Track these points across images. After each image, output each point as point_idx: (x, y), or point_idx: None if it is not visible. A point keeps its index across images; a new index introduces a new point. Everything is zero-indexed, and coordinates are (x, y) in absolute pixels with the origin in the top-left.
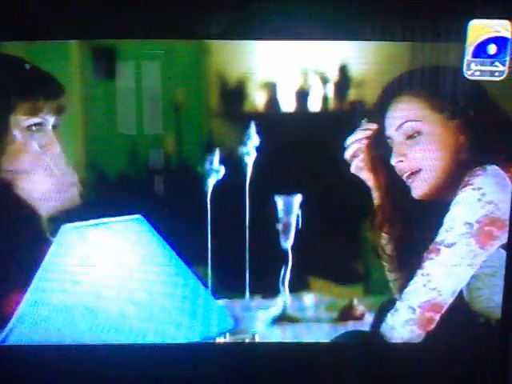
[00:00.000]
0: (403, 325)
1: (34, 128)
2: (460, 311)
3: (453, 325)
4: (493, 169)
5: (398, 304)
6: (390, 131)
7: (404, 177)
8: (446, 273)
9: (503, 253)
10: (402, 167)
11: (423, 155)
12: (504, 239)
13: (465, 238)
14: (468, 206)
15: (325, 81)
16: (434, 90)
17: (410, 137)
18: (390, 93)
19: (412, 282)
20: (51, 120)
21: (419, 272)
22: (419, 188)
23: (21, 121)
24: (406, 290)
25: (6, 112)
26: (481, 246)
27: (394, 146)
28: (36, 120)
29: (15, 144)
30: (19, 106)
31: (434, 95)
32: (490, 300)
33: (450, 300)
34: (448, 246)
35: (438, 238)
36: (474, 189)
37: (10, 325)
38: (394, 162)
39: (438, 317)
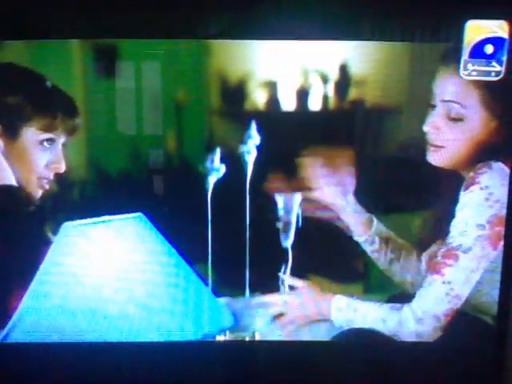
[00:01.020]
0: (428, 332)
1: (45, 144)
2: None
3: (453, 320)
4: (498, 166)
5: (421, 313)
6: (437, 99)
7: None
8: (466, 278)
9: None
10: (429, 134)
11: (452, 138)
12: None
13: (479, 242)
14: (477, 207)
15: (324, 80)
16: (491, 89)
17: (452, 118)
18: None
19: (432, 289)
20: (62, 139)
21: (439, 279)
22: (434, 157)
23: (35, 135)
24: (428, 298)
25: (22, 124)
26: (494, 247)
27: (431, 113)
28: (49, 136)
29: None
30: (36, 121)
31: (489, 93)
32: (490, 295)
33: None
34: (465, 252)
35: (454, 243)
36: (481, 188)
37: (11, 323)
38: (425, 127)
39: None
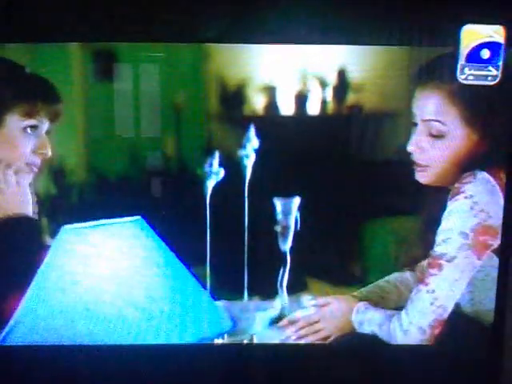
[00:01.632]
0: (415, 342)
1: (29, 130)
2: (452, 315)
3: (445, 329)
4: (483, 176)
5: (407, 324)
6: (417, 118)
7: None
8: (450, 288)
9: (492, 256)
10: (413, 154)
11: (436, 156)
12: (496, 245)
13: (463, 251)
14: (461, 215)
15: (323, 84)
16: (470, 105)
17: (433, 135)
18: (423, 78)
19: (418, 300)
20: (45, 125)
21: (424, 289)
22: (421, 178)
23: (17, 122)
24: (414, 309)
25: (3, 112)
26: (478, 257)
27: (414, 132)
28: (32, 122)
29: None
30: (17, 107)
31: (468, 109)
32: (481, 304)
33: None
34: (449, 261)
35: (438, 251)
36: (466, 197)
37: (9, 326)
38: (409, 148)
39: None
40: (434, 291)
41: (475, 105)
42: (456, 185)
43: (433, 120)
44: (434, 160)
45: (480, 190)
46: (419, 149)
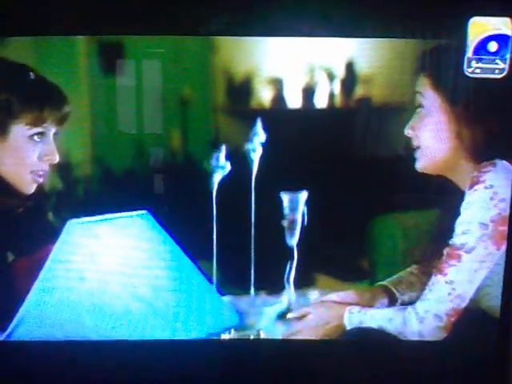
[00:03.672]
0: (431, 331)
1: (36, 137)
2: (469, 309)
3: (462, 323)
4: (503, 164)
5: (423, 312)
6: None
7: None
8: (469, 278)
9: None
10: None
11: (424, 133)
12: None
13: (483, 241)
14: (481, 206)
15: (330, 77)
16: (437, 75)
17: (417, 106)
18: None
19: (435, 289)
20: (53, 130)
21: (442, 279)
22: (420, 161)
23: (24, 130)
24: (431, 298)
25: (10, 121)
26: (497, 247)
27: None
28: (39, 130)
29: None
30: (23, 116)
31: (436, 79)
32: (499, 298)
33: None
34: (468, 252)
35: (457, 242)
36: (486, 187)
37: (15, 320)
38: (406, 131)
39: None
40: (452, 282)
41: (479, 98)
42: (475, 173)
43: (417, 92)
44: (423, 140)
45: (500, 179)
46: (412, 130)
